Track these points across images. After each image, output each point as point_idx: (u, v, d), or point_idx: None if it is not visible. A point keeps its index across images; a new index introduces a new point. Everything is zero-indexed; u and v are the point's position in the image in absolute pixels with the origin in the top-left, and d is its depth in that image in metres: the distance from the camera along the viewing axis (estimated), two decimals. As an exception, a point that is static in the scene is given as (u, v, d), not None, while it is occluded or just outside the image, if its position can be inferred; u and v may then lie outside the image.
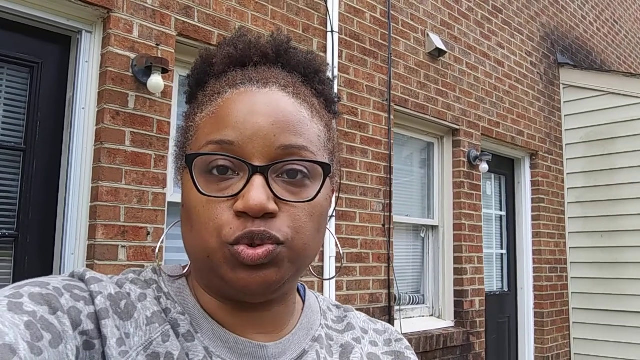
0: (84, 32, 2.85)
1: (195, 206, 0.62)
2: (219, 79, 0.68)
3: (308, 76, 0.70)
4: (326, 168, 0.63)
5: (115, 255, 2.74)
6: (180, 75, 3.25)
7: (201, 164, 0.61)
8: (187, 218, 0.64)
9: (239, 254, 0.59)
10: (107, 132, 2.76)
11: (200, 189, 0.61)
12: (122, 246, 2.77)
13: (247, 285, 0.60)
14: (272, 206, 0.59)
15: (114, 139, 2.78)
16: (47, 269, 2.72)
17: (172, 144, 3.04)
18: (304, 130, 0.63)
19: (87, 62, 2.83)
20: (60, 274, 2.66)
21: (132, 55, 2.87)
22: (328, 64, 0.78)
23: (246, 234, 0.59)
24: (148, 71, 2.84)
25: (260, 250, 0.59)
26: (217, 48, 0.70)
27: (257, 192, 0.58)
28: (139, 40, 2.91)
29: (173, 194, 3.09)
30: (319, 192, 0.63)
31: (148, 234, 2.86)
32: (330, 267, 3.64)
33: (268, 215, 0.59)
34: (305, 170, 0.62)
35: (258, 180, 0.59)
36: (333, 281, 3.73)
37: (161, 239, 0.78)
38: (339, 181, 0.75)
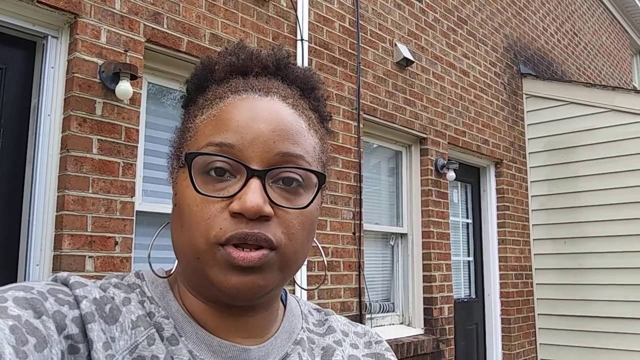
0: (49, 37, 2.79)
1: (189, 205, 0.62)
2: (221, 84, 0.69)
3: (305, 91, 0.72)
4: (321, 178, 0.66)
5: (83, 265, 2.67)
6: (149, 82, 3.20)
7: (199, 164, 0.62)
8: (178, 217, 0.65)
9: (230, 254, 0.59)
10: (73, 140, 2.70)
11: (197, 187, 0.61)
12: (90, 256, 2.70)
13: (236, 288, 0.61)
14: (267, 209, 0.60)
15: (81, 147, 2.72)
16: (11, 281, 2.62)
17: (140, 151, 3.00)
18: (301, 140, 0.65)
19: (52, 67, 2.77)
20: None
21: (100, 62, 2.82)
22: (323, 82, 0.79)
23: (238, 235, 0.60)
24: (116, 77, 2.79)
25: (254, 254, 0.60)
26: (218, 56, 0.72)
27: (254, 195, 0.60)
28: (106, 46, 2.86)
29: (142, 203, 3.03)
30: (312, 200, 0.64)
31: (116, 243, 2.80)
32: (301, 273, 3.62)
33: (263, 219, 0.61)
34: (301, 179, 0.64)
35: (255, 183, 0.61)
36: (305, 290, 3.70)
37: (153, 238, 0.76)
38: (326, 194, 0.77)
